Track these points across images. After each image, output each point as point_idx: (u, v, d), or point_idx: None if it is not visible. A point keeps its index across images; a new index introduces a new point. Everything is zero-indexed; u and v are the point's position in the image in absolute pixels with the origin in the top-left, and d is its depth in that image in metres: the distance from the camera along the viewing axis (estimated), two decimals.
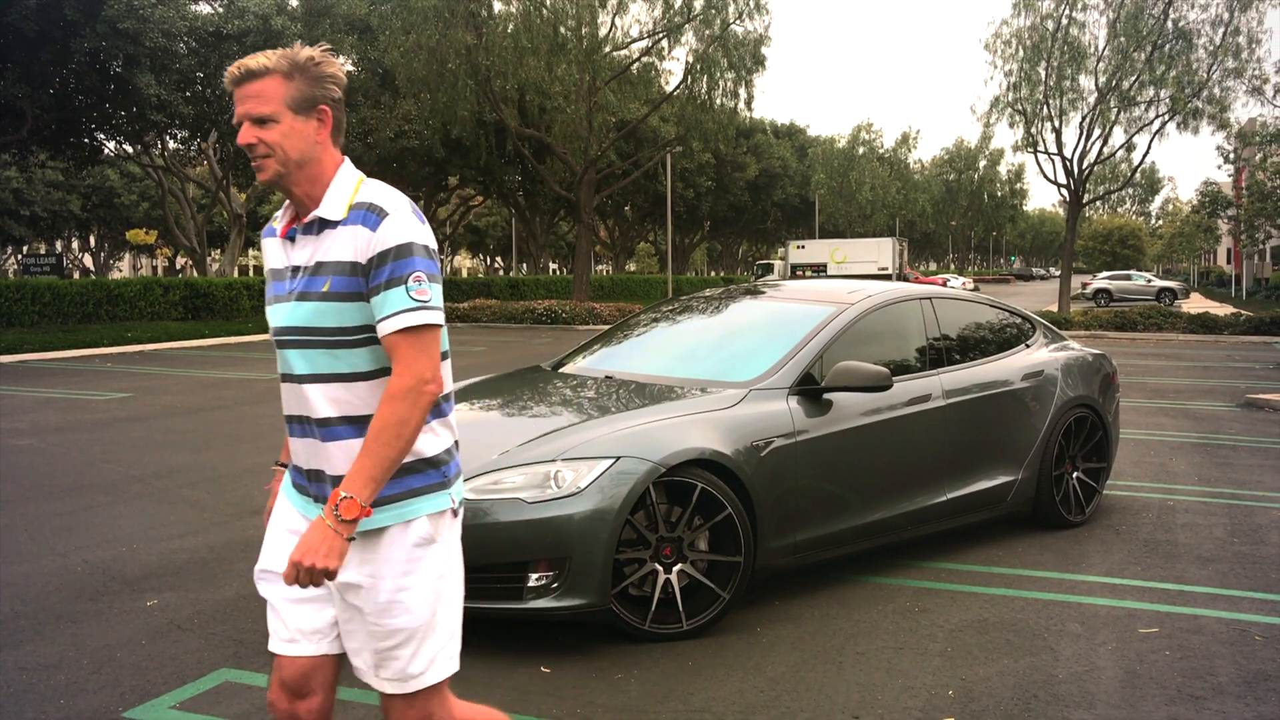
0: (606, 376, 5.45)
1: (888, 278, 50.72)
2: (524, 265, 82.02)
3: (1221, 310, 31.88)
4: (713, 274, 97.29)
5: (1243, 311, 27.77)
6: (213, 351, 19.18)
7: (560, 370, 5.88)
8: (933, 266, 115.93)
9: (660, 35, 30.95)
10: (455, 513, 2.37)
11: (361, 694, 3.80)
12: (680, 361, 5.59)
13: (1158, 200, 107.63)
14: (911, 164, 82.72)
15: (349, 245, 2.23)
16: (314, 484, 2.34)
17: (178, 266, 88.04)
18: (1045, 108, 29.47)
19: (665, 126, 41.55)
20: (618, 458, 4.29)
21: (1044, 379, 6.25)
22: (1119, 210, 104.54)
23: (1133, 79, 28.34)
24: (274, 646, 2.39)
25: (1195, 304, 45.12)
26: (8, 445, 9.04)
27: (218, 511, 6.60)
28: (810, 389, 5.01)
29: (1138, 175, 54.93)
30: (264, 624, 4.49)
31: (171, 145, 37.61)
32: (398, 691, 2.30)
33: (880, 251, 55.83)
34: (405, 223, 2.24)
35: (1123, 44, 28.11)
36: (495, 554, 4.17)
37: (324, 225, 2.28)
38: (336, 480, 2.27)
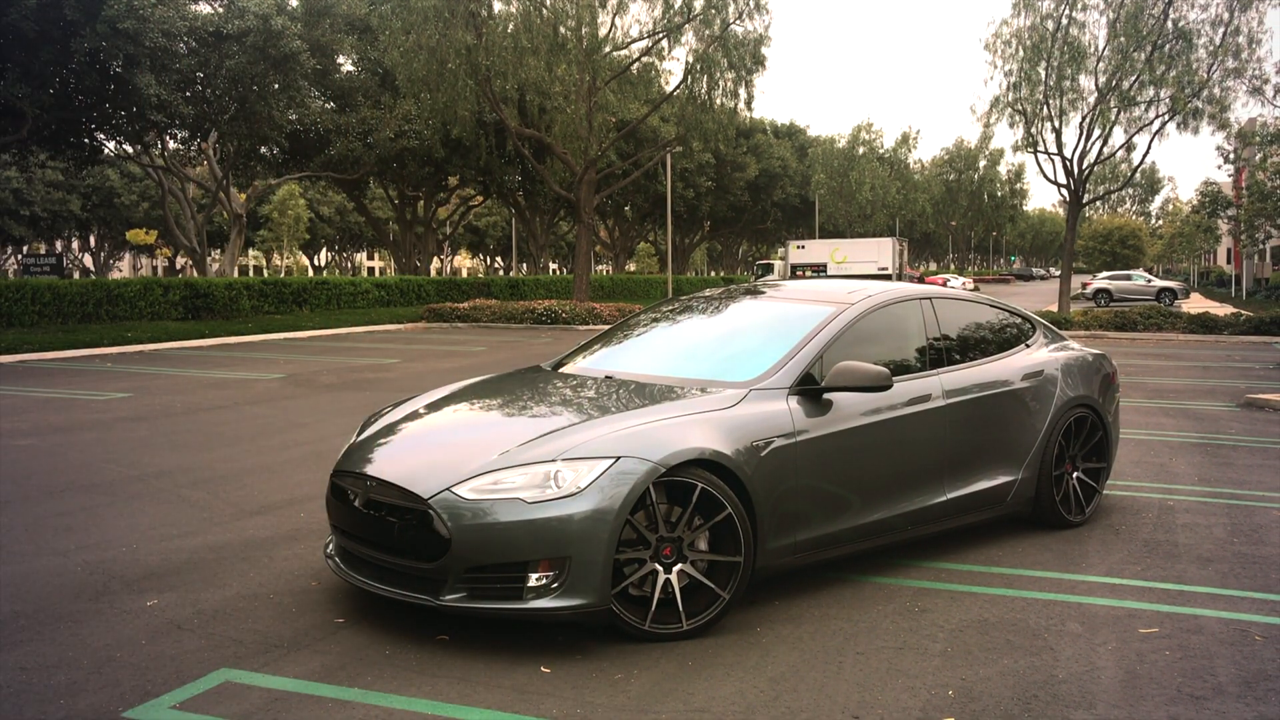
0: (606, 376, 5.45)
1: (888, 278, 50.75)
2: (524, 265, 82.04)
3: (1221, 310, 31.88)
4: (713, 274, 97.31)
5: (1243, 311, 27.76)
6: (213, 351, 19.18)
7: (560, 370, 5.88)
8: (933, 266, 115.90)
9: (660, 35, 30.94)
10: None
11: (362, 693, 3.80)
12: (680, 361, 5.58)
13: (1158, 200, 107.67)
14: (911, 164, 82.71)
15: None
16: None
17: (178, 266, 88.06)
18: (1045, 108, 29.45)
19: (665, 126, 41.56)
20: (618, 458, 4.29)
21: (1044, 379, 6.25)
22: (1119, 210, 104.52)
23: (1133, 79, 28.31)
24: None
25: (1195, 304, 45.12)
26: (8, 445, 9.04)
27: (218, 511, 6.60)
28: (810, 389, 5.00)
29: (1138, 175, 54.95)
30: (264, 624, 4.51)
31: (171, 145, 37.63)
32: None
33: (880, 251, 55.87)
34: None
35: (1123, 44, 28.09)
36: (495, 554, 4.18)
37: None
38: None
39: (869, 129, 74.34)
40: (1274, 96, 29.72)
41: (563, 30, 29.61)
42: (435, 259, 73.40)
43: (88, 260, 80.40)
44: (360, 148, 35.37)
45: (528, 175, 42.39)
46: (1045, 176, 31.05)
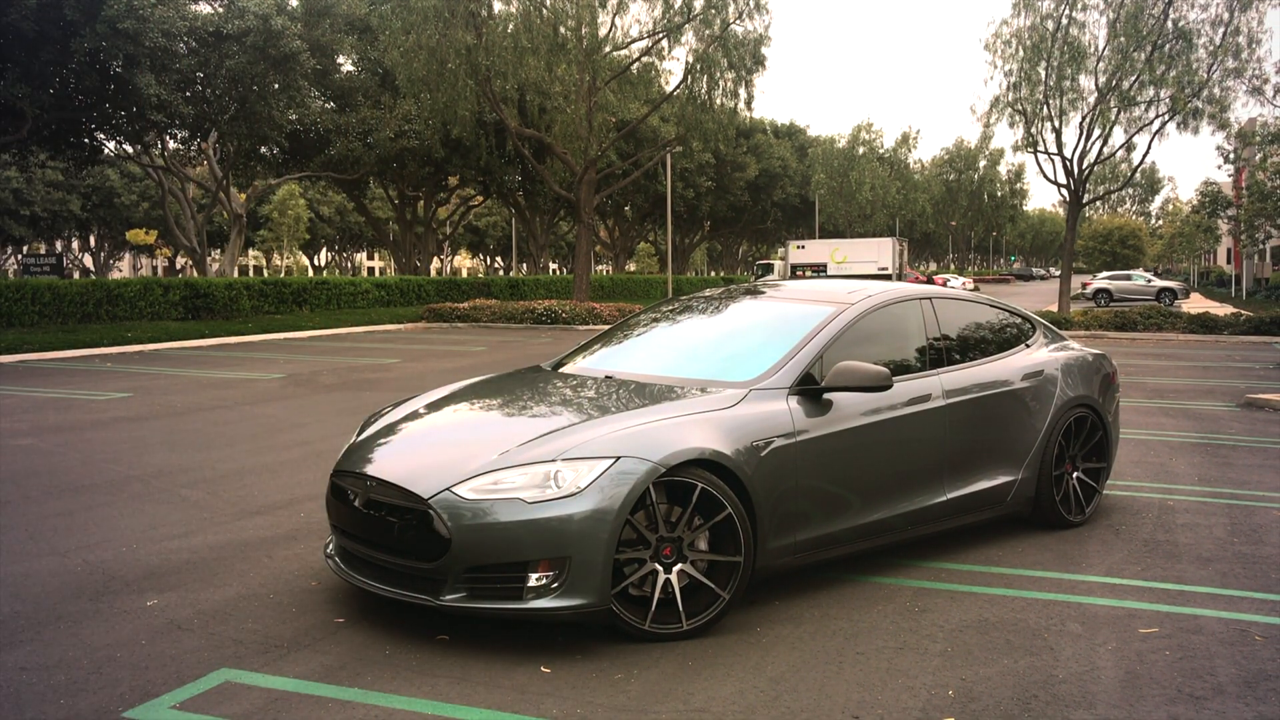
0: (606, 376, 5.45)
1: (888, 278, 50.76)
2: (524, 265, 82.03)
3: (1221, 310, 31.88)
4: (713, 274, 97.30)
5: (1243, 311, 27.75)
6: (213, 351, 19.19)
7: (560, 370, 5.88)
8: (933, 266, 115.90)
9: (660, 35, 30.95)
10: None
11: (361, 693, 3.80)
12: (680, 361, 5.58)
13: (1158, 200, 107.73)
14: (911, 164, 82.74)
15: None
16: None
17: (178, 266, 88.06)
18: (1045, 108, 29.45)
19: (665, 126, 41.57)
20: (618, 458, 4.29)
21: (1044, 379, 6.25)
22: (1119, 210, 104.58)
23: (1133, 79, 28.32)
24: None
25: (1195, 304, 45.12)
26: (8, 445, 9.04)
27: (218, 511, 6.60)
28: (810, 389, 5.00)
29: (1138, 175, 54.94)
30: (264, 624, 4.51)
31: (171, 145, 37.63)
32: None
33: (880, 252, 55.89)
34: None
35: (1123, 44, 28.09)
36: (495, 554, 4.18)
37: None
38: None
39: (869, 129, 74.36)
40: (1274, 96, 29.72)
41: (563, 30, 29.62)
42: (435, 259, 73.40)
43: (88, 260, 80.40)
44: (360, 148, 35.36)
45: (528, 175, 42.41)
46: (1045, 176, 31.07)
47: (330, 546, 5.04)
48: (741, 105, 31.71)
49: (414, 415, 5.31)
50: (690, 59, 30.64)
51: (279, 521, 6.34)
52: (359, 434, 5.29)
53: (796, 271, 55.45)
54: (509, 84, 29.62)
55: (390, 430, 5.13)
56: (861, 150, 73.06)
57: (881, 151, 76.93)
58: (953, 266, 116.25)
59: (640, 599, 4.35)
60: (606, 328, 7.25)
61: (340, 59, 37.11)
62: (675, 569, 4.39)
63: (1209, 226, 56.32)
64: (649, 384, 5.18)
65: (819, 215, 72.22)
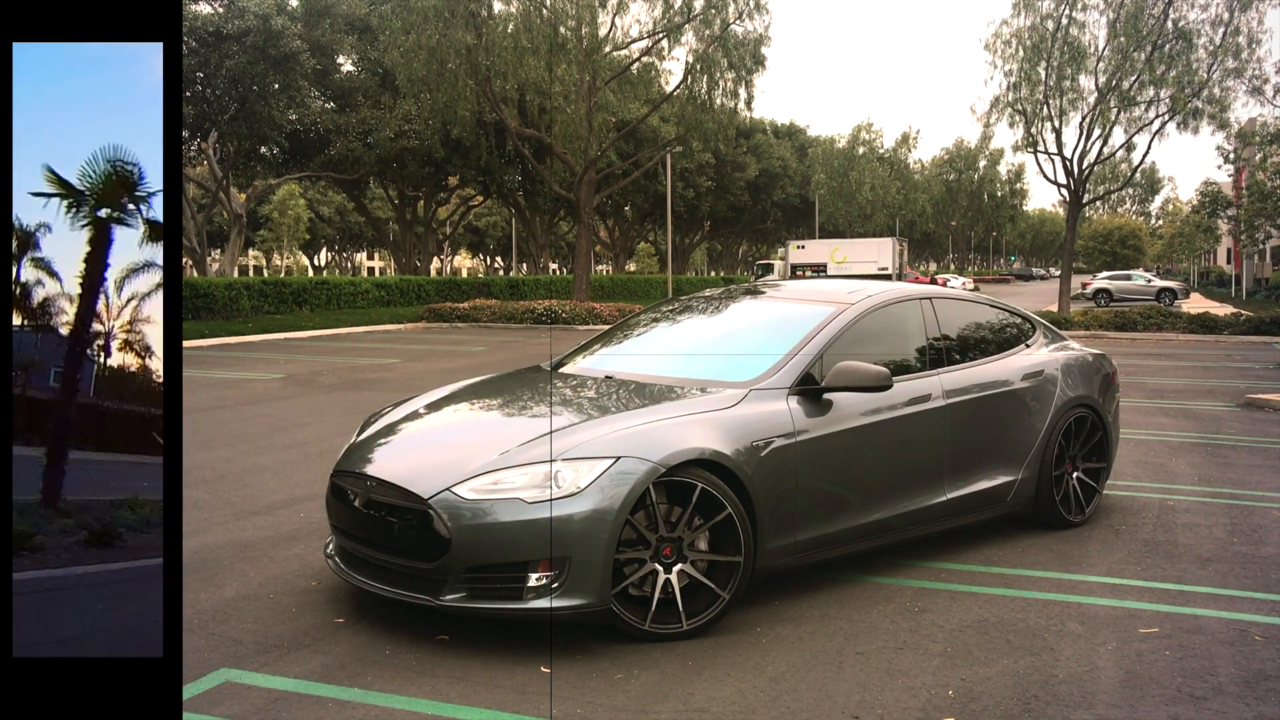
0: (606, 376, 5.45)
1: (888, 278, 50.75)
2: (524, 265, 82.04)
3: (1221, 310, 31.86)
4: (713, 274, 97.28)
5: (1243, 311, 27.75)
6: (213, 351, 19.18)
7: (560, 370, 5.88)
8: (933, 266, 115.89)
9: (660, 35, 30.98)
10: None
11: (361, 693, 3.80)
12: (680, 361, 5.59)
13: (1158, 200, 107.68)
14: (911, 164, 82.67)
15: None
16: None
17: None
18: (1045, 108, 29.44)
19: (665, 126, 41.57)
20: (618, 458, 4.29)
21: (1044, 379, 6.25)
22: (1119, 210, 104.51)
23: (1133, 79, 28.32)
24: None
25: (1195, 304, 45.09)
26: None
27: (218, 511, 6.60)
28: (810, 389, 5.01)
29: (1138, 175, 54.95)
30: (264, 624, 4.51)
31: None
32: None
33: (880, 252, 55.88)
34: None
35: (1123, 44, 28.10)
36: (495, 554, 4.18)
37: None
38: None
39: (869, 129, 74.27)
40: (1274, 96, 29.69)
41: (563, 30, 29.66)
42: (435, 259, 73.39)
43: None
44: (360, 148, 35.38)
45: (528, 175, 42.42)
46: (1045, 176, 31.06)
47: (330, 546, 5.04)
48: (741, 105, 31.77)
49: (414, 415, 5.32)
50: (690, 59, 30.68)
51: (279, 521, 6.34)
52: (359, 434, 5.29)
53: (796, 271, 55.43)
54: (509, 84, 29.64)
55: (390, 430, 5.13)
56: (861, 150, 72.98)
57: (881, 152, 76.86)
58: (953, 266, 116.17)
59: (640, 599, 4.35)
60: (606, 328, 7.24)
61: (340, 59, 37.13)
62: (675, 569, 4.39)
63: (1209, 226, 56.27)
64: (649, 384, 5.18)
65: (819, 215, 72.18)
